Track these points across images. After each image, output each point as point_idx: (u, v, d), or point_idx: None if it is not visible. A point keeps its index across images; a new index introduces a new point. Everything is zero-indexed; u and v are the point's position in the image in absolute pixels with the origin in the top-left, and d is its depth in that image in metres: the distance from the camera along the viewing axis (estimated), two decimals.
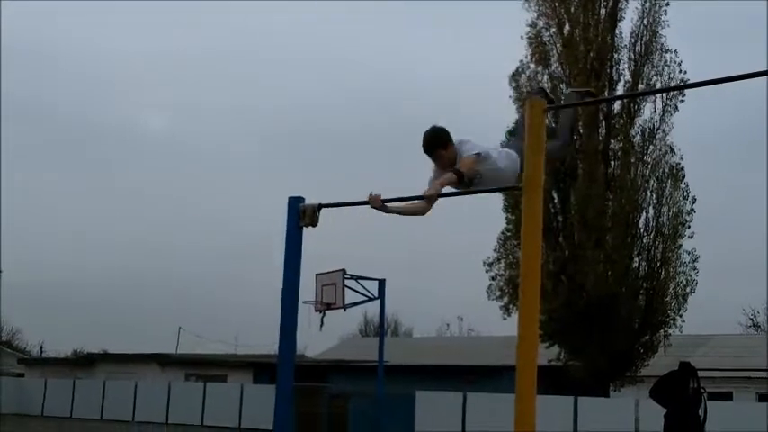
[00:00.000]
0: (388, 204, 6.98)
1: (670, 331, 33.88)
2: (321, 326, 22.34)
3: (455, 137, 6.85)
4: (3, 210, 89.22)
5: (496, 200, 34.88)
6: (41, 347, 73.38)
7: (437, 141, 6.82)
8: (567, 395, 31.33)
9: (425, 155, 6.89)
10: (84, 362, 49.69)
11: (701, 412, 10.36)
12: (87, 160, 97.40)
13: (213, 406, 39.48)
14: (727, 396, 33.30)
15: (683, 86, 35.43)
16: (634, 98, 34.64)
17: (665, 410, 10.56)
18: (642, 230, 33.91)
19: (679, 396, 10.40)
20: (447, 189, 6.78)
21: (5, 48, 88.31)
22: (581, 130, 34.59)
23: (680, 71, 33.80)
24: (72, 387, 44.31)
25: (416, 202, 6.95)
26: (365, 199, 6.97)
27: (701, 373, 10.59)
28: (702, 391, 10.46)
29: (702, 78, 5.99)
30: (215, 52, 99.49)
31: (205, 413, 39.58)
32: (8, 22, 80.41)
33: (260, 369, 41.78)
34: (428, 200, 6.78)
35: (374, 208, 6.97)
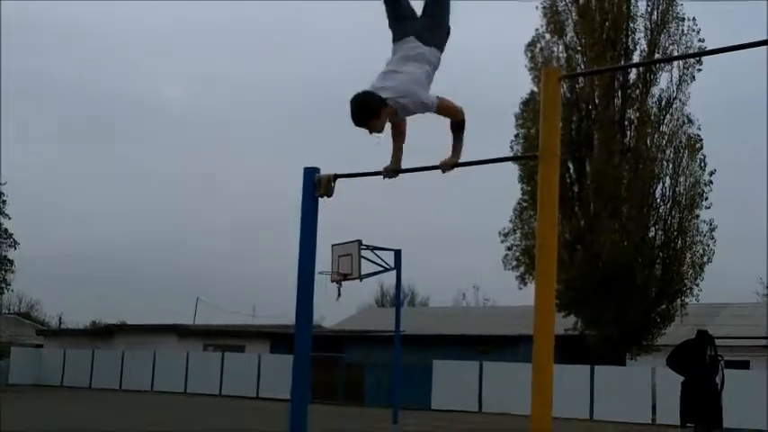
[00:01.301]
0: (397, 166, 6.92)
1: (687, 300, 33.87)
2: (338, 296, 22.41)
3: (382, 90, 6.00)
4: (22, 183, 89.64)
5: (512, 170, 34.88)
6: (60, 319, 73.98)
7: (368, 112, 5.99)
8: (583, 365, 31.41)
9: (357, 126, 6.09)
10: (102, 333, 50.04)
11: (718, 380, 10.37)
12: (105, 132, 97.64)
13: (231, 376, 39.81)
14: (744, 365, 33.30)
15: (699, 54, 35.01)
16: (650, 67, 34.42)
17: (682, 379, 10.57)
18: (659, 200, 33.85)
19: (696, 364, 10.41)
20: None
21: (19, 18, 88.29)
22: (597, 100, 34.48)
23: (698, 39, 33.56)
24: (91, 358, 44.71)
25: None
26: (381, 170, 6.92)
27: (717, 342, 10.59)
28: (720, 359, 10.46)
29: (721, 46, 5.92)
30: (229, 23, 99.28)
31: (223, 383, 39.93)
32: None
33: (277, 339, 42.02)
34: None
35: (387, 176, 6.93)
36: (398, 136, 6.68)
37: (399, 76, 6.08)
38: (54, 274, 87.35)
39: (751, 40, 5.48)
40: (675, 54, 34.39)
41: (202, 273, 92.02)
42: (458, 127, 6.44)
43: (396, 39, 6.36)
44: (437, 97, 6.14)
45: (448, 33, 6.45)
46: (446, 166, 6.62)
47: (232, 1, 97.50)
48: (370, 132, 6.12)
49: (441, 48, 6.36)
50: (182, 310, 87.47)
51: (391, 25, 6.44)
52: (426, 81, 6.20)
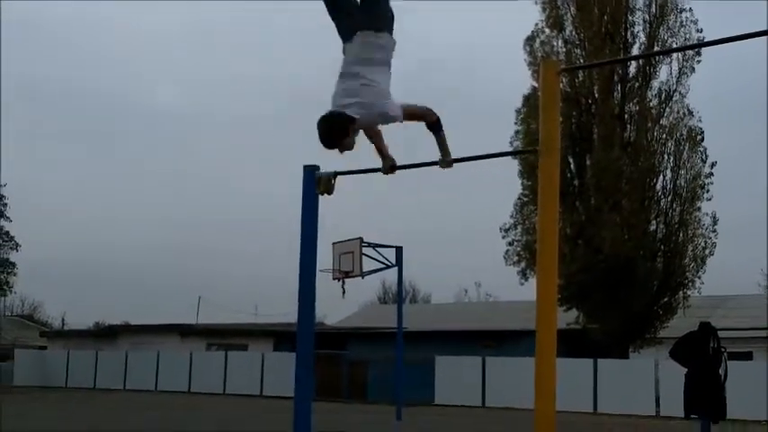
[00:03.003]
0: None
1: (689, 293, 33.85)
2: (343, 293, 22.39)
3: (347, 108, 5.67)
4: (22, 185, 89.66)
5: (512, 165, 34.84)
6: (63, 320, 73.97)
7: (338, 133, 5.64)
8: (586, 358, 31.38)
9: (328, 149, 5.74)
10: (105, 333, 50.05)
11: (721, 372, 10.36)
12: (106, 135, 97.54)
13: (235, 375, 39.83)
14: (746, 356, 33.27)
15: (699, 45, 35.06)
16: (649, 60, 34.36)
17: (685, 371, 10.57)
18: (660, 194, 33.81)
19: (699, 356, 10.40)
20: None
21: (15, 24, 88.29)
22: (596, 95, 34.44)
23: (696, 30, 33.52)
24: (95, 359, 44.73)
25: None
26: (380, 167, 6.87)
27: (720, 334, 10.58)
28: (723, 350, 10.45)
29: (720, 37, 5.92)
30: (224, 22, 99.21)
31: (227, 382, 39.95)
32: None
33: (280, 337, 42.00)
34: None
35: (386, 173, 6.86)
36: (375, 137, 6.45)
37: (364, 90, 5.71)
38: (56, 275, 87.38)
39: (750, 31, 5.47)
40: (675, 46, 34.34)
41: (204, 272, 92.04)
42: (434, 127, 6.20)
43: (346, 38, 5.93)
44: (401, 107, 5.84)
45: (393, 18, 6.04)
46: (443, 164, 6.58)
47: (227, 1, 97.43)
48: (341, 152, 5.74)
49: (391, 33, 6.00)
50: (184, 309, 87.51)
51: (338, 24, 6.04)
52: (389, 86, 5.88)
